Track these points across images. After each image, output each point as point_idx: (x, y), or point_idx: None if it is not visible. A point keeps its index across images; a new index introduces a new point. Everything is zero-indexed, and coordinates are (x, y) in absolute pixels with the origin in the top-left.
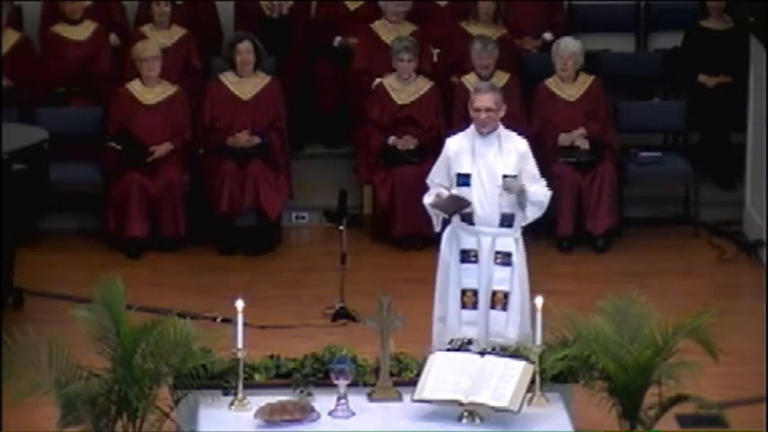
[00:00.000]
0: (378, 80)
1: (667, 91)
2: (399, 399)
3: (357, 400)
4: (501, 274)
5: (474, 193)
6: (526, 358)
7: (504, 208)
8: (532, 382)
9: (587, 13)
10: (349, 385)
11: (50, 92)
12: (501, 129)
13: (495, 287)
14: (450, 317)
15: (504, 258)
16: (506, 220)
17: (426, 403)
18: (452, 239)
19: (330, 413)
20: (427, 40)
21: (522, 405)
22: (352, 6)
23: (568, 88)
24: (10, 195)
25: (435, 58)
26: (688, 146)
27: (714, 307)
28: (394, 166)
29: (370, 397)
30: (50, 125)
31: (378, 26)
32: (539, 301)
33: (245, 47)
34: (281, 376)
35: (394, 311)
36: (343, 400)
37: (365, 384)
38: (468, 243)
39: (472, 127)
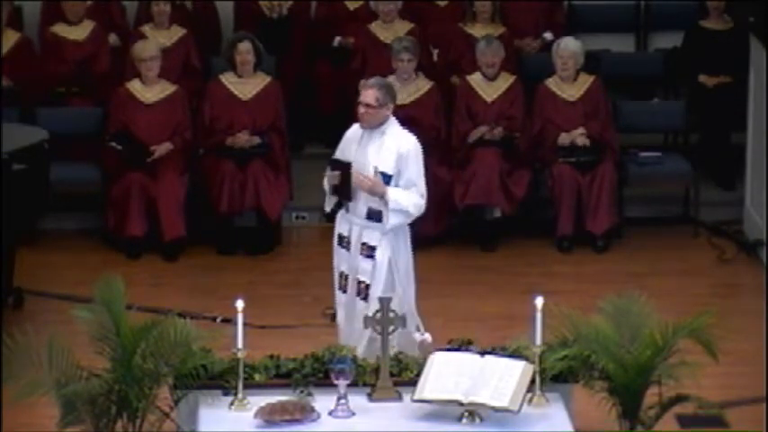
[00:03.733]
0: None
1: (667, 91)
2: (399, 399)
3: (357, 400)
4: (364, 265)
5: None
6: (526, 358)
7: (371, 203)
8: (532, 382)
9: (587, 13)
10: (349, 385)
11: (50, 92)
12: (390, 126)
13: (359, 277)
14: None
15: (369, 251)
16: (374, 216)
17: (426, 403)
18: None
19: (330, 413)
20: (426, 38)
21: (522, 405)
22: (351, 6)
23: (568, 88)
24: (10, 195)
25: (435, 58)
26: (688, 146)
27: (714, 307)
28: None
29: (370, 397)
30: (50, 125)
31: (375, 27)
32: (539, 301)
33: (245, 47)
34: (281, 376)
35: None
36: (343, 400)
37: (365, 384)
38: (343, 229)
39: None
